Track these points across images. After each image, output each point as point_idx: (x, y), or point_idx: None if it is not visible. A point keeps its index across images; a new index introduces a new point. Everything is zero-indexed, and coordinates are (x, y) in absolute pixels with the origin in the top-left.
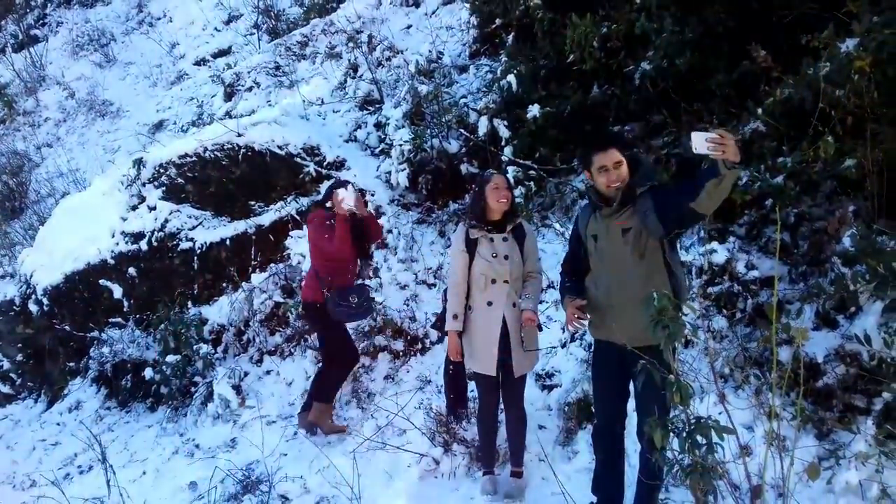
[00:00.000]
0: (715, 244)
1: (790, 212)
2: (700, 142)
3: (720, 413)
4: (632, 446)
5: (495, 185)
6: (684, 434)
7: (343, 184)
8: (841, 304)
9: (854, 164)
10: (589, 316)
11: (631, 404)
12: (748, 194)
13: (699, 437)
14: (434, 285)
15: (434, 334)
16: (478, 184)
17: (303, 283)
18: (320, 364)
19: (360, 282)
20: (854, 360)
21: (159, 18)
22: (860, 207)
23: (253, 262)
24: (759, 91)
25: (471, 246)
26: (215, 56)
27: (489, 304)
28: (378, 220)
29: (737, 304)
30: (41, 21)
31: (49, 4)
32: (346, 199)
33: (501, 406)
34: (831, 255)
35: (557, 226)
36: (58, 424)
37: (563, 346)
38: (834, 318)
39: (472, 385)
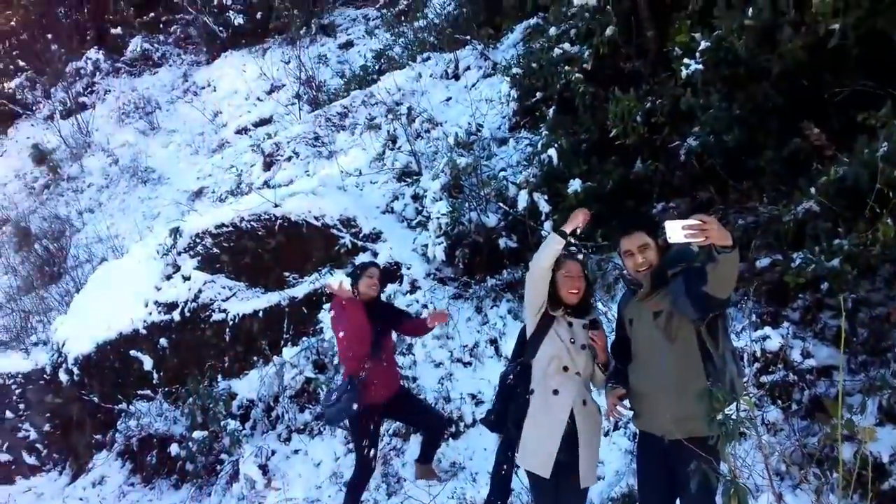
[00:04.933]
0: (768, 329)
1: (847, 297)
2: (675, 231)
3: None
4: None
5: (567, 272)
6: None
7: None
8: None
9: None
10: (629, 405)
11: None
12: (802, 277)
13: None
14: (470, 364)
15: (469, 415)
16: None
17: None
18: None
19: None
20: None
21: (204, 87)
22: None
23: (285, 336)
24: (811, 169)
25: (546, 318)
26: (256, 125)
27: (555, 392)
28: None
29: (792, 395)
30: (89, 89)
31: (98, 73)
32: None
33: None
34: (893, 345)
35: (599, 305)
36: (81, 500)
37: (606, 434)
38: None
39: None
